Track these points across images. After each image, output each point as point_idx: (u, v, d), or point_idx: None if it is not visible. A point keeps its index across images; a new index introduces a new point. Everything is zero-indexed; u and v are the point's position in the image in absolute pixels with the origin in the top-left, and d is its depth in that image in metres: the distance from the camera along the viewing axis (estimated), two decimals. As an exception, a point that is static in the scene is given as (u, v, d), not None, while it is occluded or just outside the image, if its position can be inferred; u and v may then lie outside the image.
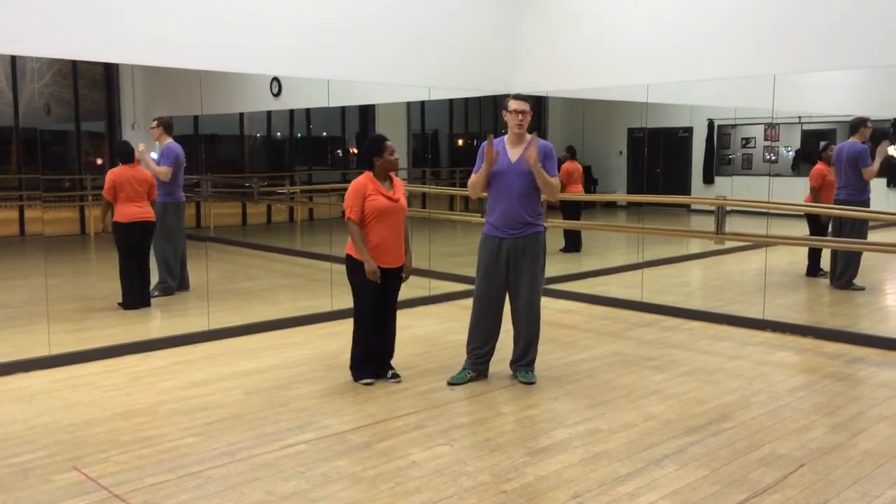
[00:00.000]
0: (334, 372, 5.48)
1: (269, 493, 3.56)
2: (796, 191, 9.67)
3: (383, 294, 5.20)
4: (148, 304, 7.56)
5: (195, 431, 4.35)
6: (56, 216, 11.75)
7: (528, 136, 5.12)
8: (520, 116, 5.06)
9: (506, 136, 5.19)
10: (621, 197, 14.47)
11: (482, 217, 5.31)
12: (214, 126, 12.27)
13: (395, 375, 5.30)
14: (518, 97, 5.14)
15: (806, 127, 13.05)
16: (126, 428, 4.41)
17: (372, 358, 5.26)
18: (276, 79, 9.78)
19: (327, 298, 7.43)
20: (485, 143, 5.18)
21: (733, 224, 7.70)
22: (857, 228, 8.10)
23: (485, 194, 5.28)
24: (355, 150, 14.49)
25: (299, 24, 6.71)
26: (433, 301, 7.95)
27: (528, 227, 5.12)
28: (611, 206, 14.97)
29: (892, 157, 9.49)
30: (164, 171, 7.84)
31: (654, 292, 7.96)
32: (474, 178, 5.16)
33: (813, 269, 9.03)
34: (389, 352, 5.37)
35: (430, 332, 6.76)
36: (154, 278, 7.85)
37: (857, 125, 8.30)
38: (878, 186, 10.02)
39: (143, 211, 7.49)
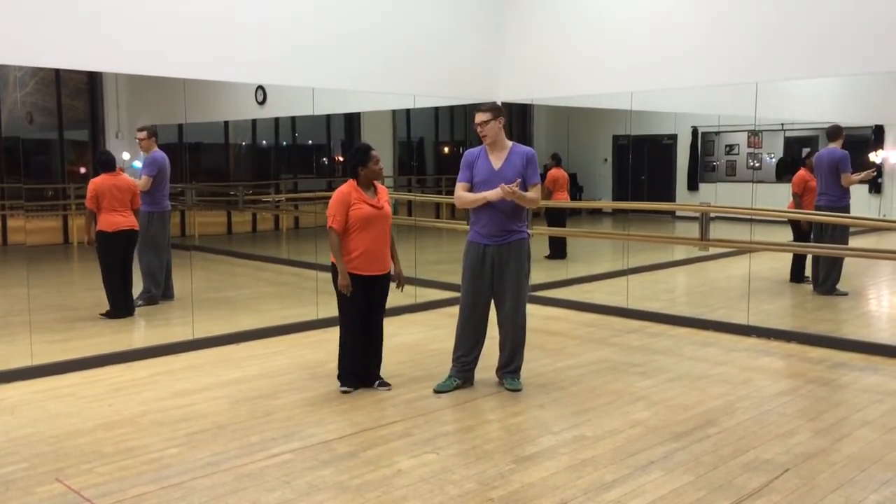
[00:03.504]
0: (320, 381, 5.46)
1: (254, 504, 3.54)
2: (780, 197, 9.75)
3: (370, 302, 5.19)
4: (132, 314, 7.51)
5: (178, 442, 4.32)
6: (39, 225, 11.66)
7: (510, 143, 5.14)
8: (479, 129, 5.09)
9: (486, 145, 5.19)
10: (606, 204, 14.53)
11: (468, 224, 5.30)
12: (199, 134, 12.21)
13: (384, 384, 5.28)
14: (478, 109, 5.15)
15: (789, 134, 13.16)
16: (108, 439, 4.37)
17: (359, 367, 5.24)
18: (261, 87, 9.77)
19: (313, 307, 7.41)
20: (468, 153, 5.20)
21: (717, 230, 7.74)
22: (839, 234, 8.18)
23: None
24: (341, 158, 14.48)
25: (284, 32, 6.70)
26: (419, 309, 7.94)
27: (512, 234, 5.12)
28: (596, 213, 15.03)
29: (872, 162, 9.59)
30: (142, 182, 7.79)
31: (639, 299, 7.99)
32: (467, 197, 5.13)
33: (797, 275, 9.10)
34: (377, 361, 5.35)
35: (416, 339, 6.75)
36: (138, 287, 7.80)
37: (836, 132, 8.43)
38: (860, 193, 10.12)
39: (126, 220, 7.44)
